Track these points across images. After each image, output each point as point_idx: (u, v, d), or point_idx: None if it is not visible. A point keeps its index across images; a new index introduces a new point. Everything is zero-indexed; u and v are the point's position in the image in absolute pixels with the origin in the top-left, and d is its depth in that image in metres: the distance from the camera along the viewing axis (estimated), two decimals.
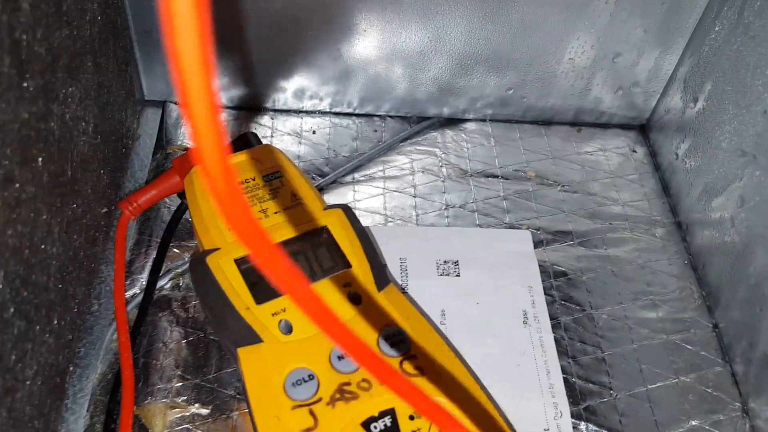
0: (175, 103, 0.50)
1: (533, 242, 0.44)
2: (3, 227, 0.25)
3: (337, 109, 0.52)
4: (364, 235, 0.37)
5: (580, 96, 0.51)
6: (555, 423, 0.36)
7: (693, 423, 0.37)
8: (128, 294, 0.40)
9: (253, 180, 0.38)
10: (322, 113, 0.52)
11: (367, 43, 0.47)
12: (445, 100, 0.51)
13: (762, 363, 0.37)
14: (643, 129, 0.53)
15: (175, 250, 0.42)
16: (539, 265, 0.43)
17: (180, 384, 0.36)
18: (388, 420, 0.30)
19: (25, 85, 0.27)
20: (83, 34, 0.34)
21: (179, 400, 0.36)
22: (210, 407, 0.35)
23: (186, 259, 0.41)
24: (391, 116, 0.52)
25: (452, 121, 0.52)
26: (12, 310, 0.27)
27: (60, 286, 0.32)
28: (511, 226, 0.45)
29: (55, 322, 0.32)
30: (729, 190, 0.41)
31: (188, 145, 0.48)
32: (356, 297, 0.34)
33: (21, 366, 0.28)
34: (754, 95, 0.39)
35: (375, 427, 0.30)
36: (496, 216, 0.46)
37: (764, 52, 0.38)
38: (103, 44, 0.38)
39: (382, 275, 0.35)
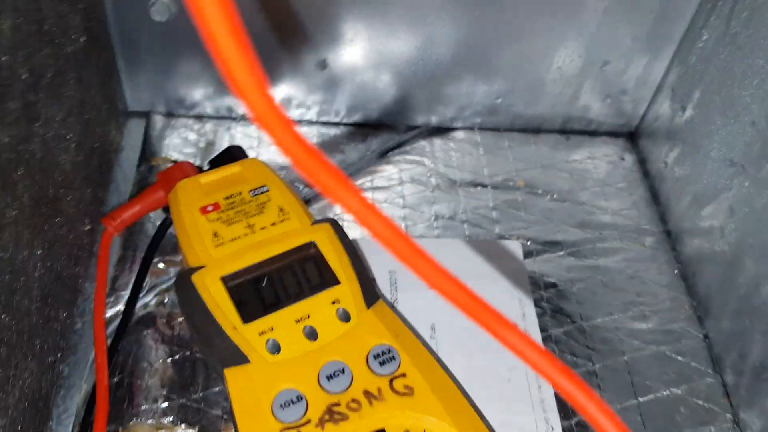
0: (160, 114, 0.49)
1: (523, 253, 0.44)
2: None
3: (325, 119, 0.51)
4: (352, 250, 0.36)
5: (569, 104, 0.50)
6: None
7: None
8: (113, 311, 0.39)
9: (239, 195, 0.38)
10: (309, 122, 0.51)
11: (354, 52, 0.46)
12: (433, 109, 0.50)
13: (753, 374, 0.37)
14: (631, 137, 0.52)
15: (160, 265, 0.41)
16: (529, 277, 0.43)
17: (166, 404, 0.36)
18: None
19: (6, 108, 0.26)
20: (65, 51, 0.33)
21: (165, 420, 0.35)
22: (197, 428, 0.35)
23: (172, 274, 0.41)
24: (379, 125, 0.51)
25: (440, 130, 0.51)
26: None
27: (42, 308, 0.31)
28: (501, 237, 0.45)
29: (38, 345, 0.31)
30: (718, 199, 0.41)
31: (173, 157, 0.47)
32: (345, 314, 0.34)
33: (3, 394, 0.27)
34: (742, 106, 0.39)
35: None
36: (486, 227, 0.45)
37: (751, 62, 0.38)
38: (86, 59, 0.37)
39: (371, 291, 0.35)
